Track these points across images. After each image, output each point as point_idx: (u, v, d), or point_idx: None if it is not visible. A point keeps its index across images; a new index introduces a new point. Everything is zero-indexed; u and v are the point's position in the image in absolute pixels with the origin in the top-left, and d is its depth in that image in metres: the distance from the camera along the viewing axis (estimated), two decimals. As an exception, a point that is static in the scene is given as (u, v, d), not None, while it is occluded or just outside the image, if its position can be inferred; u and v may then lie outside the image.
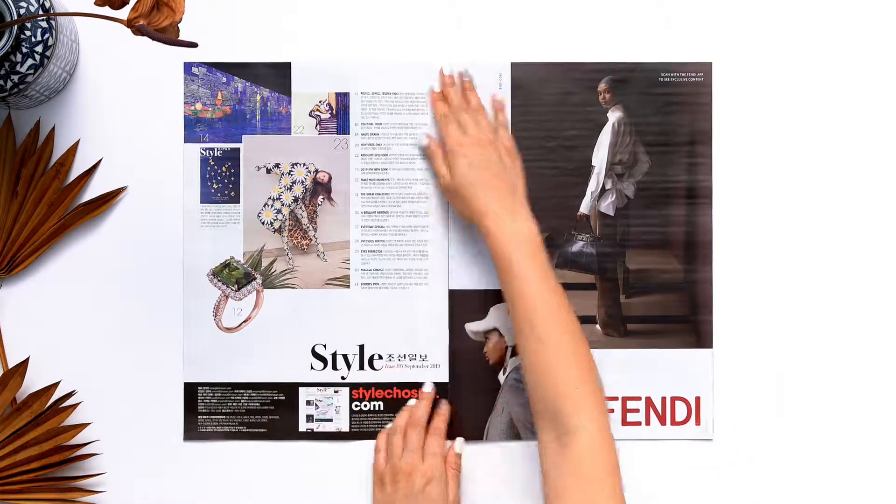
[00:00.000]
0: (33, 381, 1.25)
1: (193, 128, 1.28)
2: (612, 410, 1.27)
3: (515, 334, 1.15)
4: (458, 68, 1.27)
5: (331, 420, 1.28)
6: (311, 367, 1.28)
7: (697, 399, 1.28)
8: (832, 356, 1.29)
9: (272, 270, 1.28)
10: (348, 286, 1.28)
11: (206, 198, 1.28)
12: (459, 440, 1.25)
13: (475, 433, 1.28)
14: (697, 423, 1.28)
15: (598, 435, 1.09)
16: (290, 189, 1.28)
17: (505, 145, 1.24)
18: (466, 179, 1.20)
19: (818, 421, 1.28)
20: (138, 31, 1.02)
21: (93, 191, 1.27)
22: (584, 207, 1.29)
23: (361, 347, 1.28)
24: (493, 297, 1.28)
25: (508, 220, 1.17)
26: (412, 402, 1.26)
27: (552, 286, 1.15)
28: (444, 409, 1.26)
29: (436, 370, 1.27)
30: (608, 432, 1.10)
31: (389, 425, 1.26)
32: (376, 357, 1.28)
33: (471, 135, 1.22)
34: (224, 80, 1.28)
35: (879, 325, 1.29)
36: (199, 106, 1.28)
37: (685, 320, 1.28)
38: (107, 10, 1.03)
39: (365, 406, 1.28)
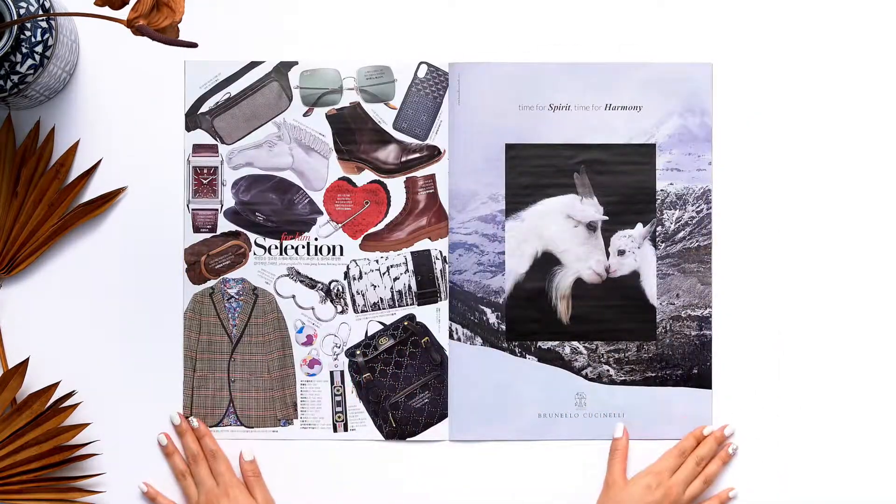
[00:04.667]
0: (33, 381, 1.25)
1: (193, 128, 1.29)
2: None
3: None
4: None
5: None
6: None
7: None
8: (832, 355, 1.29)
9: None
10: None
11: (207, 197, 1.28)
12: (245, 450, 1.26)
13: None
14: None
15: None
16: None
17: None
18: None
19: (818, 421, 1.28)
20: (138, 31, 1.02)
21: (93, 191, 1.27)
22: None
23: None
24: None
25: None
26: (163, 441, 1.26)
27: None
28: (203, 428, 1.26)
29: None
30: None
31: (164, 442, 1.27)
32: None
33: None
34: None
35: (879, 323, 1.29)
36: (199, 106, 1.29)
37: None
38: (107, 10, 1.03)
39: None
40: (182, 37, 1.04)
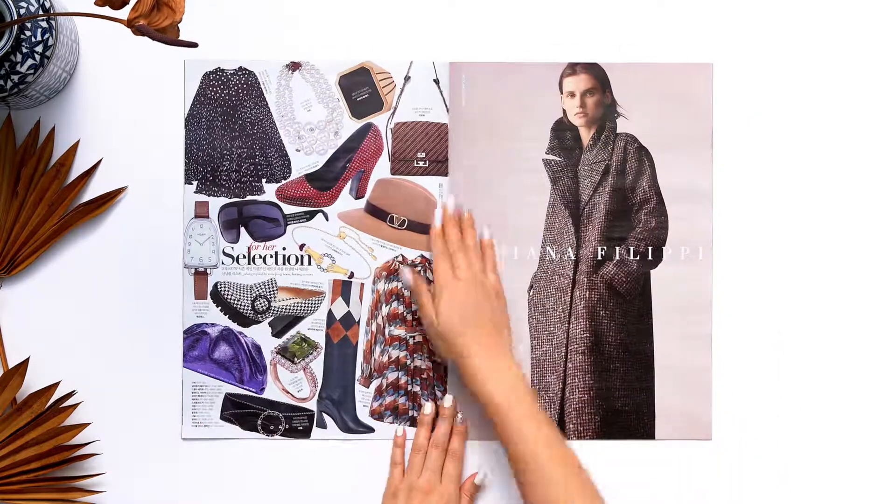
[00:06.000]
0: (33, 381, 1.25)
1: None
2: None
3: (518, 474, 1.16)
4: (459, 207, 1.27)
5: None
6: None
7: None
8: (832, 356, 1.29)
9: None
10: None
11: (207, 198, 1.29)
12: (482, 473, 1.26)
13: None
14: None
15: None
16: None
17: (493, 286, 1.24)
18: (451, 320, 1.20)
19: (818, 421, 1.28)
20: (138, 31, 1.02)
21: (93, 191, 1.27)
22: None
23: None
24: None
25: (493, 363, 1.19)
26: (427, 409, 1.26)
27: (546, 427, 1.16)
28: (462, 428, 1.26)
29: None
30: None
31: (400, 433, 1.26)
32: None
33: (460, 276, 1.22)
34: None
35: (879, 323, 1.29)
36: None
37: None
38: (107, 10, 1.03)
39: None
40: (182, 37, 1.04)
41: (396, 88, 1.28)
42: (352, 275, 1.27)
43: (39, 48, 1.15)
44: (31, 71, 1.15)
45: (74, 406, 1.24)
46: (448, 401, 1.26)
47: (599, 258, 1.29)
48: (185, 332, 1.26)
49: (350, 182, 1.28)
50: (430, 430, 1.26)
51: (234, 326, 1.27)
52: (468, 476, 1.26)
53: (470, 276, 1.23)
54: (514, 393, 1.17)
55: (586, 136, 1.29)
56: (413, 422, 1.27)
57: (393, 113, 1.28)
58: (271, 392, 1.27)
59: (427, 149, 1.28)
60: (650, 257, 1.29)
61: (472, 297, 1.21)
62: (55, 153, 1.26)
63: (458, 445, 1.25)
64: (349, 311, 1.27)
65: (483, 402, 1.18)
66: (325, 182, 1.27)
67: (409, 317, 1.27)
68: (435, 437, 1.25)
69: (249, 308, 1.27)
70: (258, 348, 1.27)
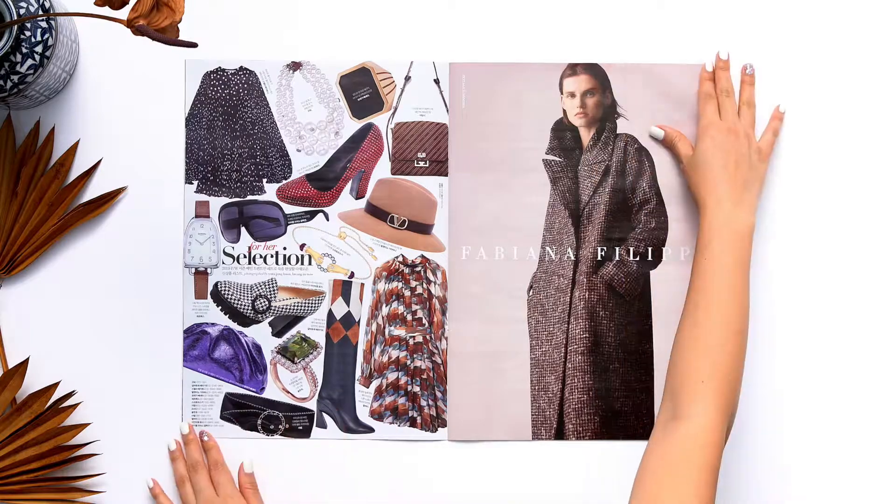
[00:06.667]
0: (33, 381, 1.25)
1: (193, 128, 1.29)
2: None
3: (683, 308, 1.18)
4: (747, 60, 1.28)
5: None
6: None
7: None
8: (833, 356, 1.29)
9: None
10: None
11: (207, 198, 1.29)
12: (246, 461, 1.26)
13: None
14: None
15: (704, 430, 1.09)
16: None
17: (759, 146, 1.25)
18: (705, 157, 1.22)
19: (818, 421, 1.28)
20: (138, 31, 1.02)
21: (93, 191, 1.27)
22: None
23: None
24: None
25: (728, 207, 1.19)
26: (173, 446, 1.26)
27: (735, 280, 1.16)
28: (212, 441, 1.26)
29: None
30: (716, 433, 1.09)
31: (151, 485, 1.26)
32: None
33: (726, 119, 1.24)
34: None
35: (881, 324, 1.29)
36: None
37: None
38: (107, 10, 1.03)
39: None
40: (182, 37, 1.04)
41: (397, 88, 1.28)
42: (352, 275, 1.27)
43: (39, 48, 1.15)
44: (31, 71, 1.15)
45: (74, 406, 1.24)
46: (185, 428, 1.26)
47: (599, 259, 1.29)
48: (185, 332, 1.27)
49: (350, 182, 1.28)
50: (184, 459, 1.26)
51: (235, 326, 1.27)
52: (238, 471, 1.26)
53: (734, 121, 1.24)
54: (730, 239, 1.18)
55: (586, 136, 1.29)
56: (413, 422, 1.27)
57: (393, 113, 1.28)
58: (271, 392, 1.27)
59: (427, 149, 1.28)
60: (650, 258, 1.29)
61: (731, 142, 1.23)
62: (55, 153, 1.26)
63: (215, 455, 1.25)
64: (349, 311, 1.27)
65: (702, 243, 1.19)
66: (325, 182, 1.28)
67: (409, 317, 1.28)
68: (191, 463, 1.25)
69: (250, 308, 1.27)
70: (258, 348, 1.27)
